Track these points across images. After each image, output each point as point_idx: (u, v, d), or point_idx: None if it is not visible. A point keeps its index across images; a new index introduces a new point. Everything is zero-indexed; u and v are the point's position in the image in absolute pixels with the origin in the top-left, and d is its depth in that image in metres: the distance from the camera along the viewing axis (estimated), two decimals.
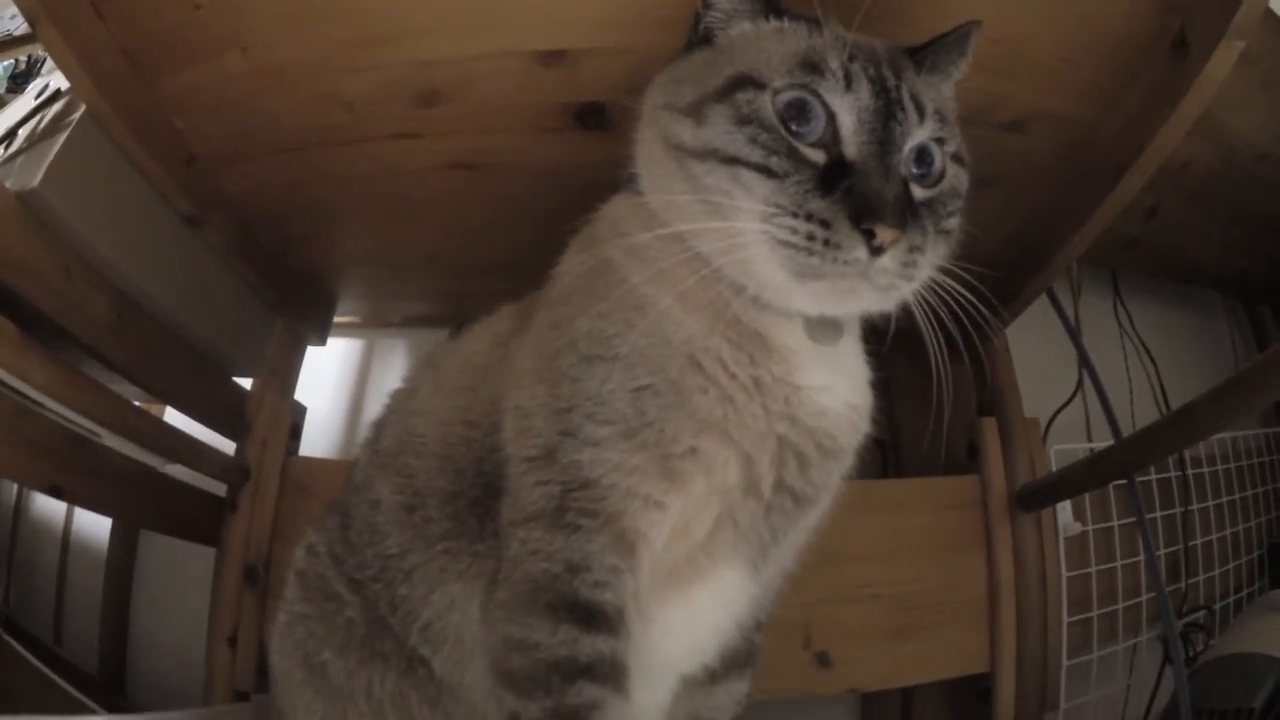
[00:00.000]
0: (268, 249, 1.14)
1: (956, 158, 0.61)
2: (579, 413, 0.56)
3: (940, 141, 0.59)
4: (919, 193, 0.58)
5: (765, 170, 0.54)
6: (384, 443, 0.72)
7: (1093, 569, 1.24)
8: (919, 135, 0.58)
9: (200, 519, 1.21)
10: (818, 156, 0.55)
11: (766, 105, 0.56)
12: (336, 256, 1.20)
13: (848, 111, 0.55)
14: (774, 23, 0.61)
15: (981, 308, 0.58)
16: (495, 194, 0.82)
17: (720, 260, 0.56)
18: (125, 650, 1.47)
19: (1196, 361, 1.72)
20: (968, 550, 1.13)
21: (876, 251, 0.52)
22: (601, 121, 0.87)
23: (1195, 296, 1.78)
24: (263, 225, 1.11)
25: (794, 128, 0.55)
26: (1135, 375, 1.54)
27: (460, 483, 0.64)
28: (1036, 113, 0.91)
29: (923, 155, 0.58)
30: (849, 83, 0.56)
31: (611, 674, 0.55)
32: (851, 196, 0.53)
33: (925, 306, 0.58)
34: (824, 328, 0.61)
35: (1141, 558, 1.29)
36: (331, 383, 1.38)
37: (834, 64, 0.56)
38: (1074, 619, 1.21)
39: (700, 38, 0.63)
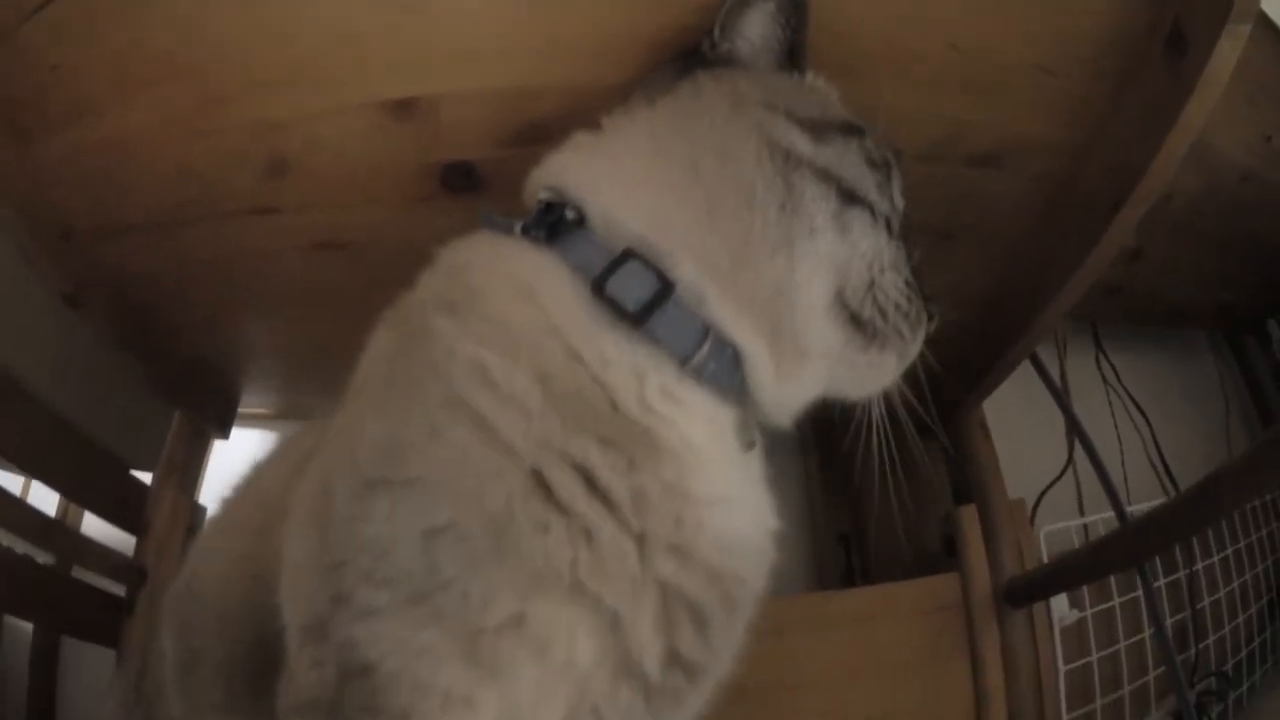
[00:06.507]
0: (156, 336, 1.01)
1: None
2: (353, 570, 0.40)
3: None
4: None
5: (883, 222, 0.52)
6: (179, 579, 0.59)
7: (1094, 657, 1.12)
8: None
9: (101, 619, 1.06)
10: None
11: (879, 156, 0.54)
12: (229, 347, 1.06)
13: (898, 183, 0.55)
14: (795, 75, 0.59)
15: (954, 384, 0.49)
16: (368, 277, 0.70)
17: (729, 305, 0.47)
18: None
19: (1187, 407, 1.62)
20: (949, 659, 0.98)
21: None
22: (472, 183, 0.74)
23: (1178, 335, 1.69)
24: (147, 310, 0.98)
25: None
26: (1124, 428, 1.44)
27: (236, 650, 0.49)
28: (1012, 142, 0.77)
29: None
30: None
31: None
32: (916, 272, 0.54)
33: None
34: (749, 426, 0.48)
35: (1147, 633, 1.17)
36: None
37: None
38: (1075, 715, 1.07)
39: (728, 54, 0.57)
